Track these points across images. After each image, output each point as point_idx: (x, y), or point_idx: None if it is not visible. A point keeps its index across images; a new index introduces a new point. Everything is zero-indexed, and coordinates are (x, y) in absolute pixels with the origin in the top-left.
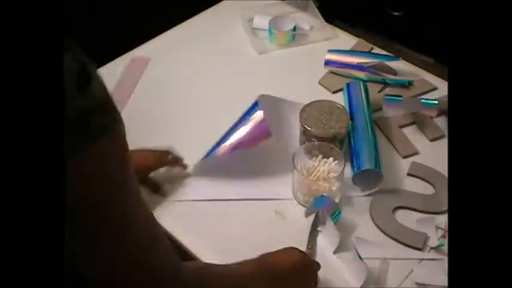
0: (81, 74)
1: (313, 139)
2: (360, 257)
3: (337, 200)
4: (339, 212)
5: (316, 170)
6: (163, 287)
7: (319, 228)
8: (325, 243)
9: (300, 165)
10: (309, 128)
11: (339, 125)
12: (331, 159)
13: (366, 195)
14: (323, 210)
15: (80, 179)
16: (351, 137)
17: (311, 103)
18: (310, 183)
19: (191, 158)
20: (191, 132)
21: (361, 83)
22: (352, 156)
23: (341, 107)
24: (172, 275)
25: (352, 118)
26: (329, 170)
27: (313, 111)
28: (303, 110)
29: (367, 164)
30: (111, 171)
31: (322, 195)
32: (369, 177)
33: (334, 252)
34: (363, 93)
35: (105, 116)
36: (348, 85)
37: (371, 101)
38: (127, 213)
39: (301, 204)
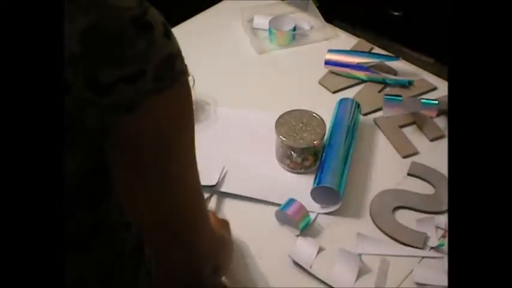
0: (165, 25)
1: (287, 148)
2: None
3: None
4: (307, 222)
5: None
6: (202, 230)
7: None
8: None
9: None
10: (281, 137)
11: (311, 138)
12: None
13: (325, 213)
14: (290, 214)
15: (162, 112)
16: (324, 152)
17: (291, 111)
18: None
19: None
20: None
21: (354, 102)
22: (317, 171)
23: (319, 118)
24: (208, 225)
25: (332, 133)
26: None
27: (290, 120)
28: (281, 117)
29: (328, 182)
30: (185, 110)
31: (291, 198)
32: (328, 196)
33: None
34: (353, 111)
35: (183, 61)
36: (340, 101)
37: (359, 122)
38: (188, 157)
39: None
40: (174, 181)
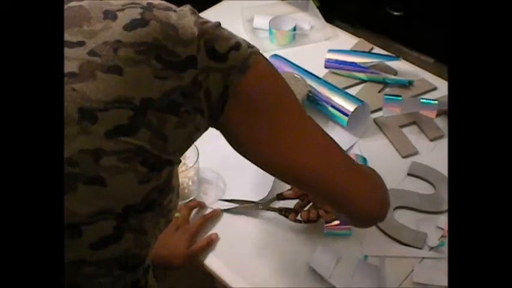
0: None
1: None
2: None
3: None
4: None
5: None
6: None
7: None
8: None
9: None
10: None
11: (298, 91)
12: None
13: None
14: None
15: (265, 70)
16: (316, 97)
17: None
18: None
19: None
20: None
21: (278, 56)
22: (332, 109)
23: (298, 76)
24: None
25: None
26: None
27: None
28: None
29: (351, 106)
30: (274, 71)
31: None
32: (357, 118)
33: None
34: (288, 62)
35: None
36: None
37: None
38: (296, 104)
39: None
40: (289, 127)
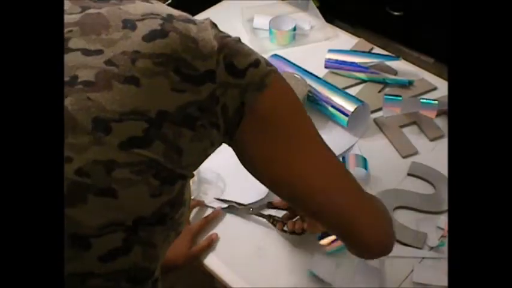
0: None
1: None
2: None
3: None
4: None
5: None
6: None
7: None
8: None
9: None
10: None
11: (298, 91)
12: None
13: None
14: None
15: (281, 89)
16: (316, 97)
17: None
18: None
19: None
20: None
21: (278, 56)
22: (331, 109)
23: (298, 76)
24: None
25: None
26: None
27: None
28: None
29: (351, 106)
30: (291, 91)
31: None
32: (357, 118)
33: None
34: (288, 62)
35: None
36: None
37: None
38: (312, 126)
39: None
40: (304, 148)
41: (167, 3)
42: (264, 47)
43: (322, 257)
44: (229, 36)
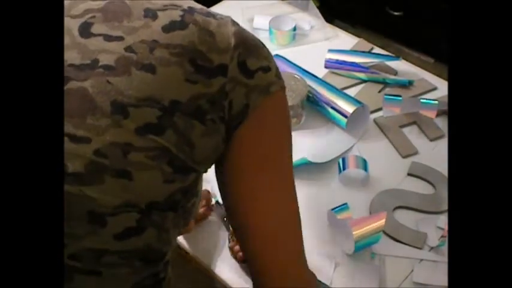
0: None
1: None
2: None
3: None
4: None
5: None
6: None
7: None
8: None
9: None
10: None
11: (297, 92)
12: None
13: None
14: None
15: (282, 104)
16: (316, 98)
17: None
18: None
19: None
20: None
21: (280, 57)
22: (330, 110)
23: (298, 77)
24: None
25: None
26: None
27: None
28: None
29: (351, 107)
30: (288, 113)
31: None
32: (356, 120)
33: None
34: (289, 63)
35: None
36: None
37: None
38: (290, 163)
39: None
40: (285, 177)
41: None
42: None
43: (320, 259)
44: (250, 37)
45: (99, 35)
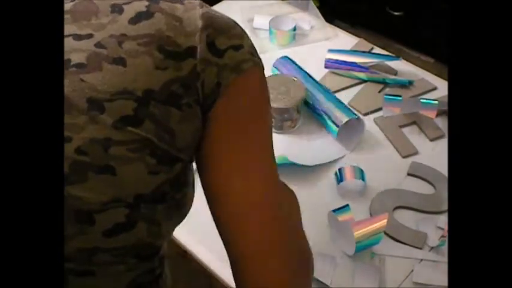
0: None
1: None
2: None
3: None
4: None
5: None
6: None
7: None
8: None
9: None
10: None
11: (294, 95)
12: None
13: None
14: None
15: (256, 82)
16: (313, 103)
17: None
18: None
19: None
20: None
21: (287, 58)
22: (325, 117)
23: (296, 79)
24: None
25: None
26: None
27: (271, 84)
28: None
29: (344, 118)
30: (267, 92)
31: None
32: (350, 131)
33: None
34: (295, 65)
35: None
36: (275, 66)
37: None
38: (267, 135)
39: None
40: (265, 155)
41: None
42: (264, 47)
43: (320, 259)
44: (221, 17)
45: (69, 35)
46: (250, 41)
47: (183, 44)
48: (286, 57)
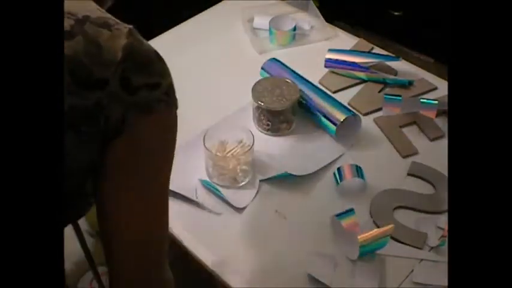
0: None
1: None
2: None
3: (244, 182)
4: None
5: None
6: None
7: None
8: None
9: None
10: (261, 103)
11: (289, 97)
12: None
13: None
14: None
15: (169, 122)
16: (307, 104)
17: (259, 80)
18: (217, 160)
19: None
20: (189, 132)
21: (275, 60)
22: (321, 116)
23: (290, 81)
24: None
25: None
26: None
27: (265, 87)
28: (254, 88)
29: (341, 115)
30: (176, 132)
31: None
32: (347, 128)
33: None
34: (284, 67)
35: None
36: (263, 68)
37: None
38: (164, 178)
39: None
40: (156, 197)
41: None
42: (264, 47)
43: (319, 259)
44: (145, 51)
45: None
46: (170, 79)
47: (95, 74)
48: (274, 59)
